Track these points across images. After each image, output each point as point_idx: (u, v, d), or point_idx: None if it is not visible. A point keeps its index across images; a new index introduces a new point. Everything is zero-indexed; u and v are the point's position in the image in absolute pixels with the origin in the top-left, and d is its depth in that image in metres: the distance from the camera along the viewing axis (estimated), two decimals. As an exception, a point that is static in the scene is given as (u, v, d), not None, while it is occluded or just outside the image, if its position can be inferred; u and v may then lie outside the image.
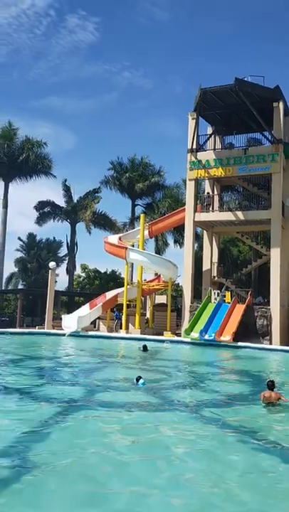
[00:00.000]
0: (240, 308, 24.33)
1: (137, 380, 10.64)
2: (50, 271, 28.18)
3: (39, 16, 79.65)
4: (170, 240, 40.85)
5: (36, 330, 26.34)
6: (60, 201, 40.31)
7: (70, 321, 25.11)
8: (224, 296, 25.89)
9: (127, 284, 28.53)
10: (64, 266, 41.27)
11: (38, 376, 12.34)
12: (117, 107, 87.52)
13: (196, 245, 35.27)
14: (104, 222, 39.69)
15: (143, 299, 32.85)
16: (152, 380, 12.15)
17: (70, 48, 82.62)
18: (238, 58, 77.54)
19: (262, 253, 29.21)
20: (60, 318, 27.29)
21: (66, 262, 40.90)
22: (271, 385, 9.14)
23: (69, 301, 37.65)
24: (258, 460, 6.25)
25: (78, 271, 42.04)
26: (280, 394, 9.12)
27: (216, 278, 30.06)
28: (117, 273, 41.98)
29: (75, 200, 39.95)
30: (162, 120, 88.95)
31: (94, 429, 7.43)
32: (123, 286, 28.05)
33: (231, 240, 39.56)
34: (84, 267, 41.92)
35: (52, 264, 28.47)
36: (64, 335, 24.12)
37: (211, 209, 27.92)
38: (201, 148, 27.92)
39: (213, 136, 29.70)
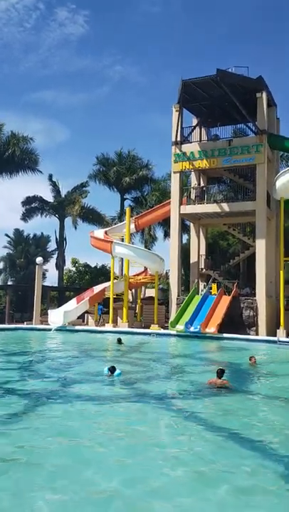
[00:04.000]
0: (226, 300, 24.38)
1: (110, 371, 10.63)
2: (37, 266, 28.12)
3: (28, 9, 78.96)
4: (160, 234, 40.85)
5: (23, 325, 26.30)
6: (49, 196, 40.20)
7: (56, 316, 25.09)
8: (210, 288, 25.92)
9: (114, 278, 28.57)
10: (53, 261, 41.25)
11: (13, 370, 12.32)
12: (110, 101, 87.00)
13: (186, 238, 35.38)
14: (92, 217, 39.53)
15: (133, 291, 32.89)
16: (129, 372, 12.18)
17: (60, 41, 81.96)
18: (232, 52, 77.14)
19: (249, 244, 29.23)
20: (47, 314, 27.25)
21: (55, 257, 40.83)
22: (220, 373, 10.00)
23: (59, 296, 37.62)
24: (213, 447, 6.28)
25: (68, 266, 41.99)
26: (225, 380, 10.02)
27: (204, 270, 30.10)
28: (108, 267, 41.89)
29: (63, 195, 39.76)
30: (154, 114, 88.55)
31: (62, 421, 7.47)
32: (114, 280, 28.07)
33: (221, 234, 39.59)
34: (74, 262, 41.81)
35: (39, 259, 28.40)
36: (50, 330, 24.11)
37: (196, 201, 27.89)
38: (186, 140, 27.82)
39: (198, 128, 29.63)
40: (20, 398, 8.99)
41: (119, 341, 18.24)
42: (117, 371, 10.61)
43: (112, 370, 10.61)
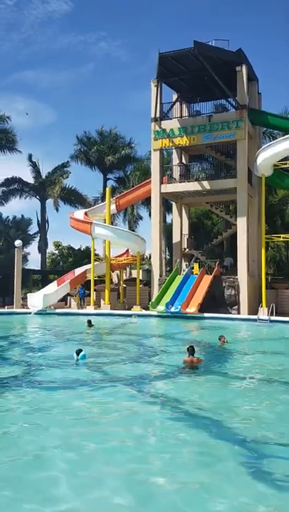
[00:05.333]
0: (207, 280, 24.10)
1: (76, 354, 10.31)
2: (16, 249, 27.53)
3: (8, -14, 76.12)
4: (145, 214, 40.27)
5: (3, 310, 25.85)
6: (29, 177, 39.23)
7: (36, 300, 24.67)
8: (192, 267, 25.63)
9: (96, 260, 28.13)
10: (36, 244, 40.61)
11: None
12: (95, 79, 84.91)
13: (171, 218, 34.88)
14: (74, 198, 38.76)
15: (118, 273, 32.50)
16: (102, 354, 11.92)
17: (43, 19, 79.40)
18: (219, 26, 75.34)
19: (232, 223, 28.86)
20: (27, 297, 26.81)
21: (37, 240, 40.18)
22: (191, 350, 9.88)
23: (42, 279, 37.12)
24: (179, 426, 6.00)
25: (51, 248, 41.36)
26: (199, 358, 9.99)
27: (187, 250, 29.78)
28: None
29: (44, 176, 38.84)
30: (140, 91, 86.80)
31: (25, 405, 7.25)
32: (96, 262, 27.65)
33: (205, 213, 39.17)
34: (57, 245, 41.18)
35: (18, 242, 27.79)
36: (30, 313, 23.73)
37: (177, 179, 27.35)
38: (165, 116, 27.11)
39: (179, 104, 28.88)
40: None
41: (90, 323, 17.92)
42: (82, 353, 10.29)
43: (78, 352, 10.28)
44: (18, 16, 78.11)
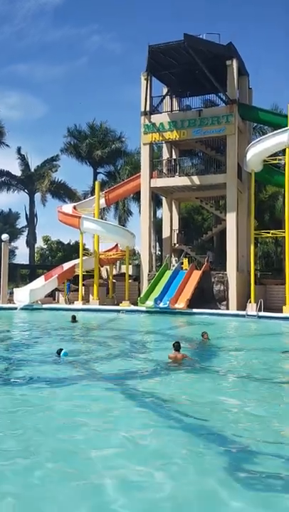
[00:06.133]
0: (196, 275, 23.98)
1: (58, 353, 10.10)
2: (2, 243, 27.15)
3: (0, -22, 74.95)
4: (135, 209, 40.01)
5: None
6: (17, 171, 38.69)
7: (22, 295, 24.36)
8: (182, 263, 25.49)
9: (85, 254, 27.87)
10: (24, 238, 40.15)
11: None
12: (88, 72, 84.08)
13: (161, 213, 34.68)
14: (63, 192, 38.37)
15: (108, 268, 32.24)
16: (85, 351, 11.73)
17: (35, 11, 78.37)
18: (215, 20, 74.90)
19: (222, 219, 28.74)
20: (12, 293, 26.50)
21: (26, 234, 39.74)
22: (177, 346, 9.81)
23: (30, 274, 36.78)
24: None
25: (40, 243, 40.97)
26: (185, 354, 9.85)
27: (177, 245, 29.62)
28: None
29: (33, 170, 38.35)
30: (132, 85, 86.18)
31: (4, 402, 7.10)
32: (85, 256, 27.39)
33: (196, 208, 39.05)
34: (46, 239, 40.81)
35: (4, 236, 27.37)
36: (16, 309, 23.44)
37: (167, 174, 27.12)
38: (155, 110, 26.83)
39: (169, 98, 28.59)
40: None
41: (74, 319, 17.69)
42: (64, 351, 10.08)
43: (59, 352, 10.08)
44: (10, 8, 77.17)
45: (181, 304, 21.92)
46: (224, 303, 23.92)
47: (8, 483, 4.43)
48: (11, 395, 7.58)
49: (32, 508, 4.04)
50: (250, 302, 22.43)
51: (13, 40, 79.92)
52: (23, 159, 38.20)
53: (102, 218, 31.38)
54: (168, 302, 21.97)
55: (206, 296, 23.79)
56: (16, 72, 79.44)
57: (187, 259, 26.04)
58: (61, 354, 10.04)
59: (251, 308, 21.75)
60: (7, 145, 36.13)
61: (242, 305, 23.79)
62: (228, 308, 23.42)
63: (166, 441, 5.56)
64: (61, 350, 10.19)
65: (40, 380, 8.55)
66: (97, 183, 28.13)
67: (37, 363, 10.12)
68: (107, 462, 4.93)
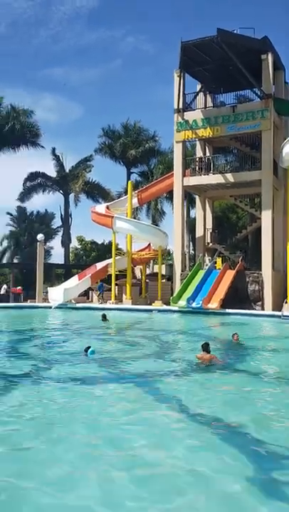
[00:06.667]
0: (230, 275, 23.50)
1: (85, 351, 10.04)
2: (38, 243, 27.59)
3: (38, -18, 76.56)
4: (169, 209, 39.76)
5: (24, 303, 26.00)
6: (52, 172, 39.25)
7: (57, 294, 24.64)
8: (215, 262, 25.05)
9: (118, 254, 27.89)
10: (59, 238, 40.68)
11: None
12: (122, 74, 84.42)
13: (194, 212, 34.30)
14: (97, 192, 38.62)
15: (141, 268, 32.18)
16: (115, 350, 11.65)
17: (71, 15, 79.54)
18: (247, 20, 73.63)
19: (257, 217, 28.07)
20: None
21: (61, 234, 40.23)
22: (205, 347, 9.60)
23: (65, 274, 37.24)
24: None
25: (75, 243, 41.39)
26: (213, 355, 9.60)
27: (210, 244, 29.15)
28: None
29: (67, 170, 38.79)
30: (167, 84, 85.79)
31: (35, 401, 7.05)
32: (118, 256, 27.44)
33: (230, 207, 38.37)
34: (80, 239, 41.19)
35: (40, 236, 27.83)
36: (51, 307, 23.73)
37: (200, 172, 26.73)
38: (188, 107, 26.51)
39: (203, 95, 28.20)
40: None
41: (104, 318, 17.63)
42: (91, 349, 10.00)
43: (87, 349, 10.01)
44: (46, 12, 78.42)
45: (214, 304, 21.53)
46: (259, 303, 23.32)
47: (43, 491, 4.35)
48: (40, 393, 7.54)
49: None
50: (286, 302, 21.73)
51: (49, 43, 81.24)
52: (58, 160, 38.72)
53: (134, 218, 31.32)
54: (201, 302, 21.63)
55: (240, 296, 23.27)
56: (52, 76, 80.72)
57: (221, 259, 25.55)
58: (88, 352, 9.97)
59: (287, 309, 21.06)
60: (42, 146, 36.75)
61: (278, 305, 23.08)
62: (263, 309, 22.81)
63: (193, 443, 5.34)
64: (89, 347, 10.11)
65: (69, 378, 8.49)
66: (129, 182, 28.10)
67: (66, 361, 10.08)
68: (135, 462, 4.81)
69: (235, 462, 4.79)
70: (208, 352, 9.58)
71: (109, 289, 27.09)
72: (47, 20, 79.34)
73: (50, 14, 78.28)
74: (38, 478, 4.42)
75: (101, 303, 26.28)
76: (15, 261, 40.51)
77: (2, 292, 31.15)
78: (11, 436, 5.57)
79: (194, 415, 6.35)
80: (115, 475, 4.51)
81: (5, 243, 41.84)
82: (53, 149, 38.78)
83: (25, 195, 37.99)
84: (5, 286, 32.04)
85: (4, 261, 41.10)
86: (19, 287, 30.55)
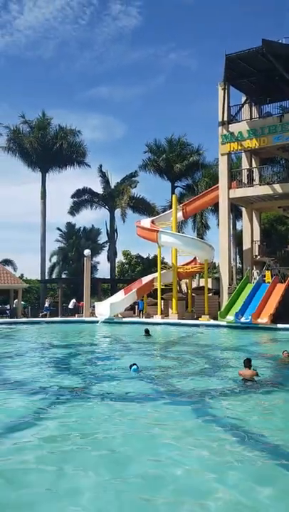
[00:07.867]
0: (280, 288, 22.69)
1: (130, 367, 9.88)
2: (85, 258, 27.96)
3: (82, 5, 79.61)
4: (214, 222, 39.32)
5: (71, 318, 26.31)
6: (98, 188, 39.99)
7: (103, 308, 24.75)
8: (264, 275, 24.30)
9: (163, 268, 27.74)
10: (105, 253, 41.16)
11: (43, 365, 11.96)
12: (165, 90, 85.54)
13: (241, 225, 33.66)
14: (142, 207, 38.85)
15: (187, 282, 31.86)
16: (157, 366, 11.39)
17: (114, 36, 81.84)
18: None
19: (308, 228, 27.14)
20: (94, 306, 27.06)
21: (107, 249, 40.70)
22: (247, 363, 9.49)
23: (111, 288, 37.52)
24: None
25: (120, 257, 41.71)
26: (255, 371, 9.43)
27: (258, 257, 28.39)
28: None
29: (113, 186, 39.36)
30: (212, 99, 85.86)
31: (76, 417, 6.97)
32: (163, 270, 27.32)
33: (278, 218, 37.39)
34: (126, 254, 41.44)
35: (86, 251, 28.21)
36: (98, 322, 23.84)
37: (247, 184, 26.23)
38: (233, 119, 26.22)
39: (248, 106, 27.82)
40: (37, 395, 8.45)
41: (147, 333, 17.36)
42: (134, 367, 9.83)
43: (131, 366, 9.86)
44: (91, 35, 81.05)
45: (264, 319, 20.80)
46: (312, 318, 22.26)
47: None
48: (83, 409, 7.44)
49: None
50: None
51: (94, 65, 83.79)
52: (104, 177, 39.41)
53: (179, 232, 31.11)
54: (250, 317, 20.96)
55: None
56: (98, 95, 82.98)
57: (270, 272, 24.77)
58: (131, 369, 9.82)
59: None
60: (88, 165, 37.55)
61: None
62: (316, 324, 21.76)
63: (240, 464, 5.01)
64: (134, 364, 9.95)
65: (112, 395, 8.34)
66: (174, 196, 28.02)
67: (109, 377, 9.97)
68: (182, 480, 4.64)
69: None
70: (250, 368, 9.36)
71: (155, 304, 26.92)
72: (91, 43, 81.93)
73: (94, 36, 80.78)
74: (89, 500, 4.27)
75: (141, 317, 26.17)
76: (63, 276, 41.32)
77: (71, 306, 32.08)
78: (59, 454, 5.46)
79: (237, 431, 6.08)
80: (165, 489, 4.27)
81: (54, 259, 42.87)
82: (100, 166, 39.60)
83: (74, 210, 38.87)
84: (74, 300, 32.89)
85: (53, 276, 42.04)
86: (82, 302, 31.28)
